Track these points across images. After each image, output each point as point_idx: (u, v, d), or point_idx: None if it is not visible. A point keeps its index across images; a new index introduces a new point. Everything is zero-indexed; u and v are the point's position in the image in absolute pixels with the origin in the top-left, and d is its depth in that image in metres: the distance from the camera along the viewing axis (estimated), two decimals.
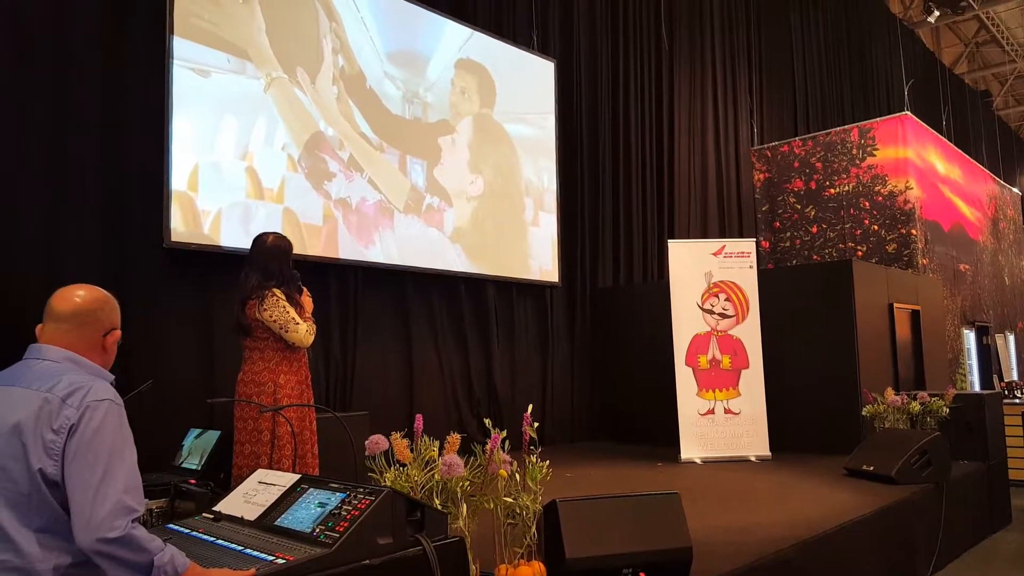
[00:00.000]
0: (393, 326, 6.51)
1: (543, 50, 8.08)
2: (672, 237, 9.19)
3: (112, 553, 1.60)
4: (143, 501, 1.70)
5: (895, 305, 7.57)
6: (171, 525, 2.22)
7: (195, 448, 4.10)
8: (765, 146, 11.06)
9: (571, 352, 8.19)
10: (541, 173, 7.83)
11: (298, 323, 3.48)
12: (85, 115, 4.75)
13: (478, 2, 7.51)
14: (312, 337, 3.57)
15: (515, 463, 2.43)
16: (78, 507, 1.61)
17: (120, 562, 1.61)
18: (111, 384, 1.81)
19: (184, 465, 4.05)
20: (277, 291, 3.47)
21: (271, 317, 3.41)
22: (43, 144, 4.57)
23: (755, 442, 6.40)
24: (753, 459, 6.30)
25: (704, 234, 10.07)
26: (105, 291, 1.93)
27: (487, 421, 2.56)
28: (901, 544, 4.22)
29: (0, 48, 4.41)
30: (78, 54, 4.74)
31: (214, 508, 2.28)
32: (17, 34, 4.48)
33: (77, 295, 1.87)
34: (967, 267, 11.38)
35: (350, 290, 6.15)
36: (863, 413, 5.73)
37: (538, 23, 8.12)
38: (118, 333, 1.93)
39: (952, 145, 11.64)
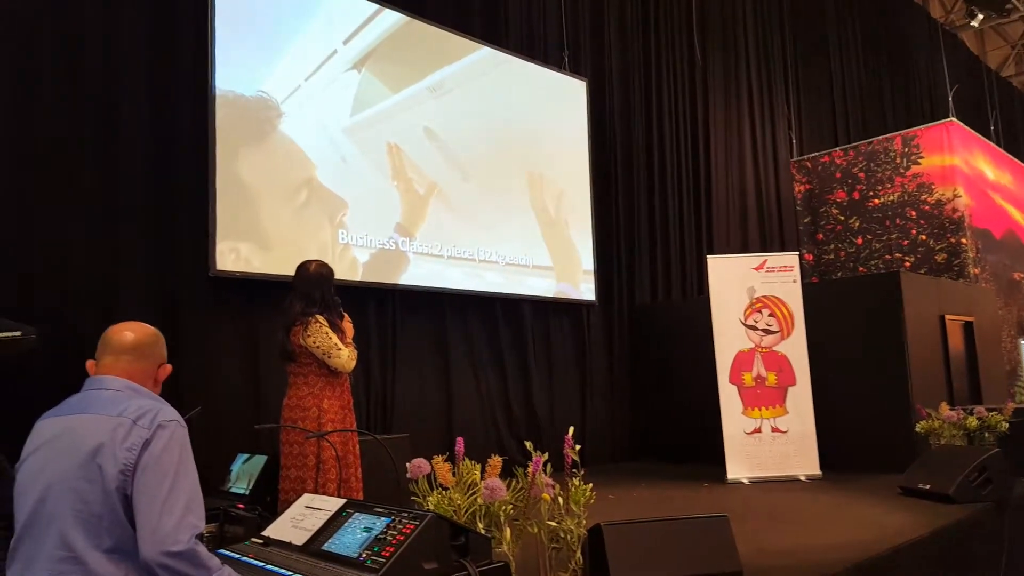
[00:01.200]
0: (431, 348, 6.55)
1: (574, 69, 8.11)
2: (711, 252, 9.08)
3: (175, 567, 1.66)
4: (204, 519, 1.77)
5: (947, 317, 7.37)
6: (222, 550, 2.26)
7: (243, 473, 4.17)
8: (805, 157, 10.90)
9: (610, 371, 8.13)
10: (574, 191, 7.82)
11: (340, 349, 3.56)
12: (132, 138, 4.90)
13: (510, 24, 7.56)
14: (354, 362, 3.64)
15: (557, 486, 2.42)
16: (144, 519, 1.68)
17: None
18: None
19: (232, 490, 4.12)
20: (320, 317, 3.56)
21: (314, 343, 3.50)
22: (95, 173, 4.72)
23: (804, 461, 6.25)
24: (803, 478, 6.16)
25: (744, 248, 9.94)
26: (154, 328, 2.06)
27: (528, 444, 2.55)
28: (960, 566, 4.06)
29: (57, 88, 4.58)
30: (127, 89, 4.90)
31: (263, 533, 2.32)
32: (72, 74, 4.65)
33: (134, 330, 2.00)
34: (1022, 275, 11.04)
35: (388, 313, 6.21)
36: (917, 429, 5.57)
37: (569, 42, 8.16)
38: (169, 367, 2.05)
39: (1001, 150, 11.34)
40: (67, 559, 1.69)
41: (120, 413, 1.78)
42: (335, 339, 3.55)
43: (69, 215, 4.58)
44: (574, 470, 2.39)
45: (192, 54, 5.20)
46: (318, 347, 3.51)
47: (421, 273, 6.31)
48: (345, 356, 3.58)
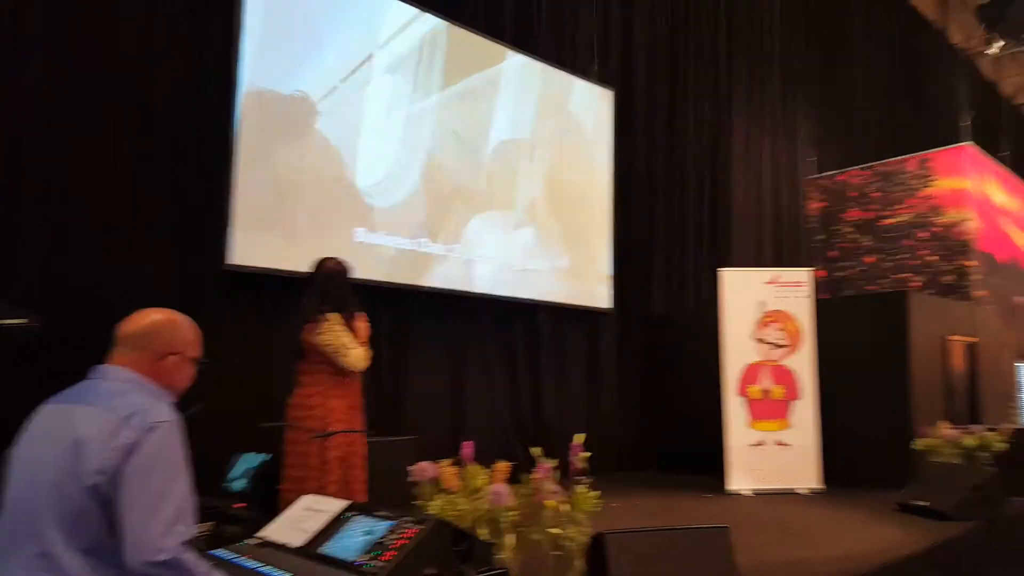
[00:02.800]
0: (443, 351, 6.54)
1: (602, 78, 8.12)
2: (725, 265, 9.06)
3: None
4: (194, 525, 1.71)
5: (951, 337, 7.36)
6: (217, 551, 2.23)
7: (243, 471, 4.15)
8: (822, 175, 10.90)
9: (620, 379, 8.13)
10: (594, 199, 7.84)
11: (351, 348, 3.51)
12: (159, 129, 4.92)
13: (541, 31, 7.57)
14: (366, 362, 3.59)
15: (563, 493, 2.42)
16: (129, 528, 1.61)
17: None
18: (171, 406, 1.82)
19: (231, 488, 4.10)
20: (333, 315, 3.52)
21: (325, 341, 3.47)
22: (113, 161, 4.72)
23: (805, 474, 6.25)
24: (804, 492, 6.16)
25: (758, 263, 9.92)
26: (176, 314, 1.97)
27: (535, 451, 2.55)
28: None
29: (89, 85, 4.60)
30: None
31: (260, 533, 2.30)
32: (104, 73, 4.67)
33: (139, 318, 1.92)
34: (1022, 300, 11.02)
35: (403, 314, 6.21)
36: (916, 447, 5.57)
37: (598, 51, 8.16)
38: (174, 358, 1.91)
39: (1014, 175, 11.32)
40: (41, 555, 1.62)
41: (112, 408, 1.71)
42: (347, 338, 3.51)
43: (84, 207, 4.59)
44: (581, 477, 2.39)
45: (222, 49, 5.18)
46: (328, 345, 3.47)
47: (441, 275, 6.31)
48: (355, 355, 3.52)
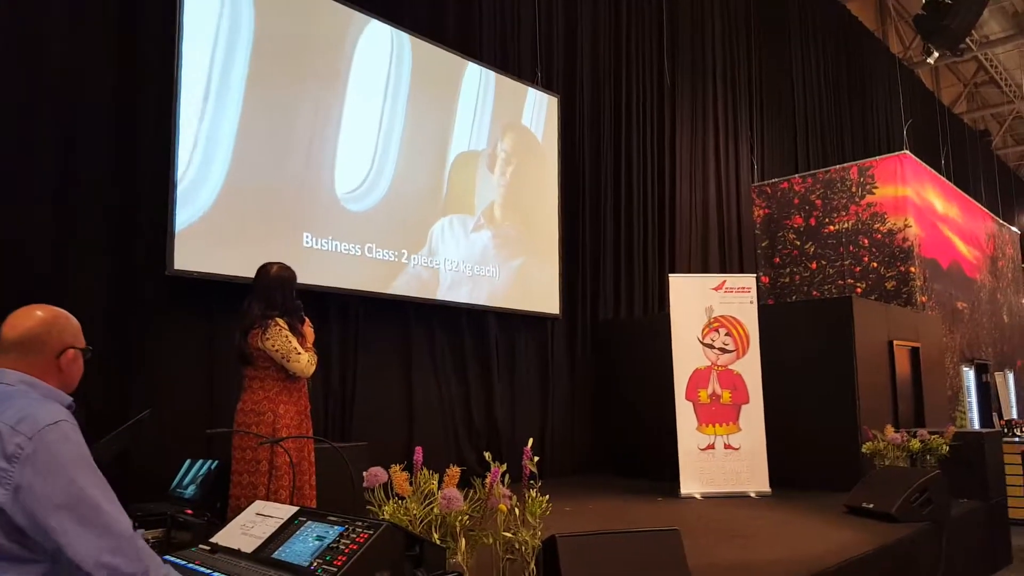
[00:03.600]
0: (393, 357, 6.51)
1: (547, 86, 8.18)
2: (673, 271, 9.22)
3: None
4: (122, 510, 1.64)
5: (895, 342, 7.57)
6: (168, 557, 2.20)
7: (192, 478, 4.08)
8: (766, 182, 11.14)
9: (571, 385, 8.18)
10: (543, 205, 7.88)
11: (300, 353, 3.49)
12: (95, 137, 4.82)
13: (484, 38, 7.61)
14: (313, 367, 3.58)
15: (515, 497, 2.42)
16: (61, 543, 1.54)
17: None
18: (67, 406, 1.75)
19: (181, 495, 4.03)
20: (280, 321, 3.49)
21: (273, 346, 3.43)
22: (49, 166, 4.62)
23: (755, 478, 6.36)
24: (753, 495, 6.26)
25: (705, 269, 10.10)
26: (56, 309, 1.86)
27: (487, 454, 2.55)
28: None
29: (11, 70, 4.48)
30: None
31: (211, 539, 2.27)
32: (29, 56, 4.56)
33: (19, 322, 1.79)
34: (964, 305, 11.40)
35: (351, 320, 6.16)
36: (863, 450, 5.71)
37: (542, 59, 8.24)
38: (72, 352, 1.83)
39: (951, 184, 11.73)
40: None
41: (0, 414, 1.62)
42: (295, 343, 3.48)
43: (23, 207, 4.46)
44: (531, 481, 2.40)
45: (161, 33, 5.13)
46: (277, 351, 3.43)
47: (386, 281, 6.28)
48: (305, 360, 3.51)
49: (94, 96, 4.84)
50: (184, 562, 2.11)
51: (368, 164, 6.26)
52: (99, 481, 1.63)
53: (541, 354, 7.90)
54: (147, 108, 5.07)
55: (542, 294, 7.75)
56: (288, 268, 3.68)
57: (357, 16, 6.27)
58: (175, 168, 5.02)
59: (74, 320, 1.88)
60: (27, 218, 4.48)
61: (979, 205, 13.16)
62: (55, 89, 4.65)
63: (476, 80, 7.28)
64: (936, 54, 13.53)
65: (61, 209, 4.65)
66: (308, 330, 3.66)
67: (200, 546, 2.26)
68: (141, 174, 5.02)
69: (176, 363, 5.05)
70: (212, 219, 5.19)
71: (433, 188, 6.77)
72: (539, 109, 7.96)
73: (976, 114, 20.54)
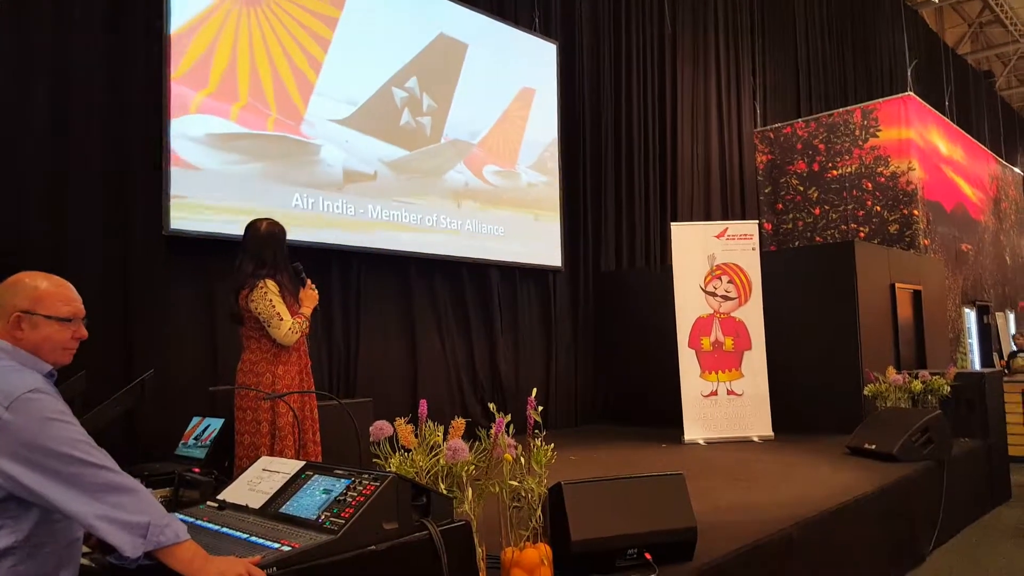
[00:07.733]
0: (396, 312, 6.51)
1: (545, 32, 8.01)
2: (675, 220, 9.15)
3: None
4: (114, 465, 1.63)
5: (897, 285, 7.56)
6: (176, 514, 2.21)
7: (199, 436, 4.11)
8: (768, 128, 11.00)
9: (574, 336, 8.20)
10: (544, 156, 7.79)
11: (282, 319, 3.31)
12: (87, 99, 4.75)
13: None
14: (296, 336, 3.37)
15: (520, 447, 2.43)
16: (55, 504, 1.56)
17: (120, 525, 1.58)
18: (46, 374, 1.71)
19: (188, 453, 4.06)
20: (269, 282, 3.33)
21: (256, 309, 3.31)
22: (43, 131, 4.56)
23: (758, 422, 6.42)
24: (756, 439, 6.32)
25: (707, 216, 10.03)
26: (28, 273, 1.78)
27: (491, 405, 2.55)
28: (902, 520, 4.24)
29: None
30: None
31: (218, 496, 2.28)
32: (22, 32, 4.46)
33: None
34: (969, 247, 11.36)
35: (352, 276, 6.14)
36: (865, 392, 5.74)
37: (540, 5, 8.05)
38: (18, 316, 1.71)
39: (954, 125, 11.58)
40: None
41: None
42: (279, 307, 3.31)
43: (20, 173, 4.41)
44: (536, 431, 2.40)
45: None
46: (260, 314, 3.30)
47: (386, 236, 6.24)
48: (285, 328, 3.30)
49: (84, 44, 4.75)
50: (192, 519, 2.12)
51: (349, 118, 6.16)
52: (82, 437, 1.61)
53: (544, 306, 7.89)
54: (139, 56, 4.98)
55: (544, 246, 7.72)
56: (277, 224, 3.53)
57: None
58: (167, 127, 4.94)
59: (44, 286, 1.76)
60: (21, 179, 4.44)
61: (982, 146, 13.01)
62: (45, 45, 4.56)
63: (475, 29, 7.12)
64: None
65: (56, 174, 4.60)
66: (308, 294, 3.51)
67: (208, 503, 2.27)
68: (134, 129, 4.95)
69: (178, 323, 5.04)
70: (208, 177, 5.13)
71: (433, 142, 6.68)
72: (537, 55, 7.80)
73: (980, 54, 20.15)
